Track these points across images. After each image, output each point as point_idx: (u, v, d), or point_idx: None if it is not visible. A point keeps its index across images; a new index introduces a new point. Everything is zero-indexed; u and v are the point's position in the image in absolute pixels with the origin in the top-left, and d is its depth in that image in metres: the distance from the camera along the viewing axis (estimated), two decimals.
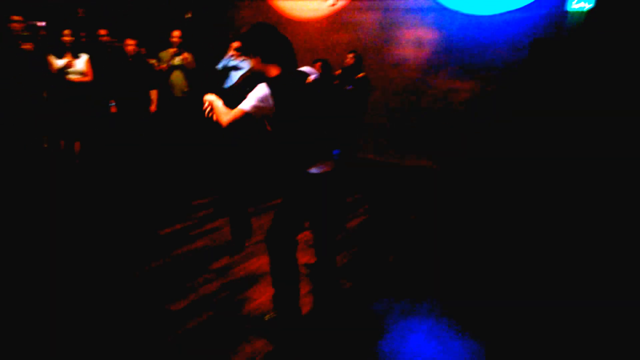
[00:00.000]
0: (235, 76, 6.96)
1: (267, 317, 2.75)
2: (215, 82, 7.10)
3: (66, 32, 5.21)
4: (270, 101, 2.36)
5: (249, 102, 2.37)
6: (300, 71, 2.54)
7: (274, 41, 2.49)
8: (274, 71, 2.48)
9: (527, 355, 2.68)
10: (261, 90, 2.37)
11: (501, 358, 2.65)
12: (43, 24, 7.00)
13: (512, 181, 5.81)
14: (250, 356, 2.48)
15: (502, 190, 5.79)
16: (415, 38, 7.10)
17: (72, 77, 5.31)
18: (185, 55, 6.40)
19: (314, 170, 2.52)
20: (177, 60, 6.38)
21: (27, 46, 4.84)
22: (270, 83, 2.39)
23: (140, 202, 4.76)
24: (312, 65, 7.42)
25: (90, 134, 5.70)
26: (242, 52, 2.75)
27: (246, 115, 2.37)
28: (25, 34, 4.86)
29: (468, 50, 6.62)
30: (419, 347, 2.66)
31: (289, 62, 2.50)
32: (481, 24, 6.43)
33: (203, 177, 5.85)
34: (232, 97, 3.00)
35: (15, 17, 4.88)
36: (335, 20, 7.67)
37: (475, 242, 4.34)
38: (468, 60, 6.63)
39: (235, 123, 2.39)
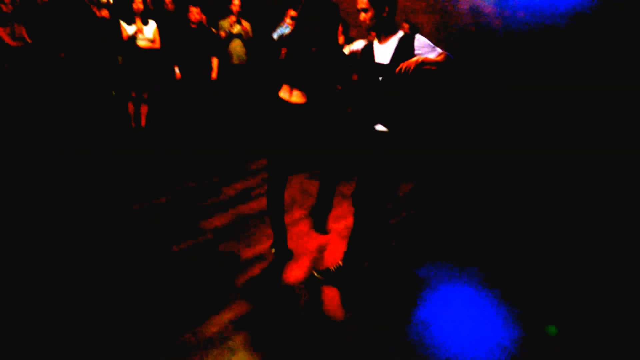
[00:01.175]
0: None
1: (333, 268, 2.97)
2: (272, 51, 7.29)
3: None
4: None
5: (437, 47, 2.47)
6: None
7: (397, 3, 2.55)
8: (389, 29, 2.55)
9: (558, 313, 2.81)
10: (425, 38, 2.48)
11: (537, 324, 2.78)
12: None
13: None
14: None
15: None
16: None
17: (141, 43, 5.60)
18: (244, 23, 6.58)
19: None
20: (236, 29, 6.57)
21: (104, 13, 5.12)
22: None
23: (204, 162, 5.08)
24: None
25: (158, 98, 6.02)
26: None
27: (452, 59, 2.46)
28: (102, 1, 5.15)
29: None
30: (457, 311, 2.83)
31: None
32: None
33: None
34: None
35: None
36: None
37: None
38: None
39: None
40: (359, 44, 2.81)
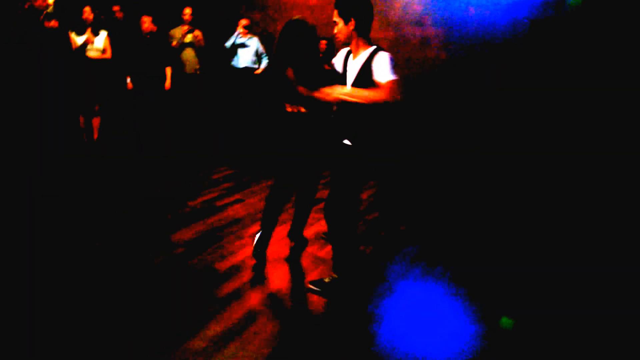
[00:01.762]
0: (242, 54, 7.16)
1: (327, 279, 3.02)
2: (224, 59, 7.29)
3: (86, 9, 5.34)
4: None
5: (391, 70, 2.44)
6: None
7: (372, 12, 2.57)
8: (362, 42, 2.58)
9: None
10: (388, 56, 2.48)
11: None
12: None
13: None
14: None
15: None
16: (417, 16, 7.32)
17: (91, 54, 5.45)
18: (197, 32, 6.56)
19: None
20: (188, 38, 6.53)
21: (52, 23, 4.95)
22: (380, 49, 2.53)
23: (161, 177, 5.01)
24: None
25: (109, 110, 5.88)
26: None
27: (399, 81, 2.45)
28: (49, 11, 4.97)
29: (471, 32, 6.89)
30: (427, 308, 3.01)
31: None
32: (482, 3, 6.70)
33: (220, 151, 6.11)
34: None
35: None
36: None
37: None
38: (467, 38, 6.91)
39: (400, 92, 2.45)
40: (339, 56, 2.84)
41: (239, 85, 7.34)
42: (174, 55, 6.38)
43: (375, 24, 2.69)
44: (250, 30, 7.18)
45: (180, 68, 6.56)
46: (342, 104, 2.66)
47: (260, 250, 3.30)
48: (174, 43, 6.47)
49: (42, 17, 5.12)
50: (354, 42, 2.61)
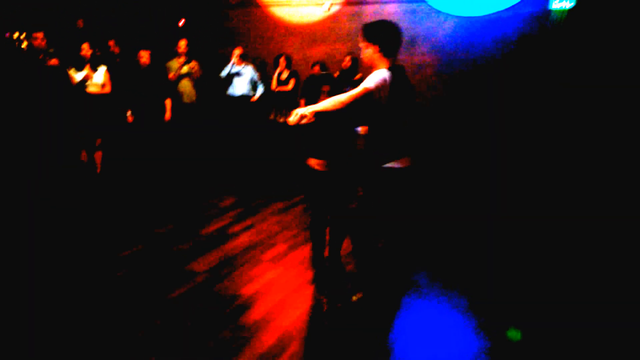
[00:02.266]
0: (238, 82, 7.24)
1: (354, 298, 3.07)
2: (219, 89, 7.37)
3: (84, 45, 5.37)
4: (388, 86, 2.51)
5: (372, 80, 2.50)
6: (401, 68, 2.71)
7: (397, 39, 2.66)
8: (382, 65, 2.63)
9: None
10: (382, 73, 2.54)
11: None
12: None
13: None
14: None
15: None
16: (407, 39, 7.51)
17: (91, 89, 5.47)
18: (193, 64, 6.62)
19: (392, 165, 2.68)
20: (185, 69, 6.59)
21: (53, 62, 4.97)
22: (390, 70, 2.57)
23: (166, 206, 5.00)
24: (310, 68, 7.77)
25: (111, 144, 5.86)
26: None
27: (368, 93, 2.47)
28: (50, 50, 5.00)
29: (456, 49, 7.08)
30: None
31: (395, 60, 2.69)
32: (472, 24, 6.90)
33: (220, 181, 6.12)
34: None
35: (38, 34, 5.00)
36: (329, 25, 7.98)
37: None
38: (455, 59, 7.10)
39: (356, 102, 2.45)
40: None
41: (236, 113, 7.40)
42: (172, 87, 6.42)
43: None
44: (244, 59, 7.28)
45: (178, 99, 6.59)
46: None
47: (316, 261, 3.56)
48: (171, 75, 6.51)
49: (41, 56, 5.14)
50: (379, 65, 2.65)
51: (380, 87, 2.51)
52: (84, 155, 5.61)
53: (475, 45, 6.91)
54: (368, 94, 2.48)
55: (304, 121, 2.42)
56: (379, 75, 2.54)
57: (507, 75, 6.68)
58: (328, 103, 2.46)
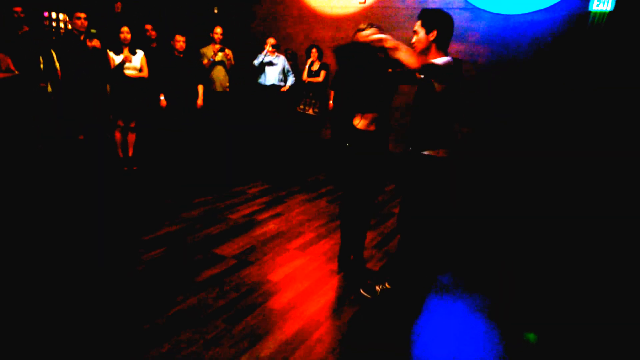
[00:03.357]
0: (269, 72, 7.31)
1: (379, 287, 3.10)
2: (252, 77, 7.45)
3: (124, 29, 5.47)
4: (449, 72, 2.50)
5: (440, 60, 2.49)
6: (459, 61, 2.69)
7: (452, 30, 2.62)
8: (437, 56, 2.59)
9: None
10: (447, 58, 2.53)
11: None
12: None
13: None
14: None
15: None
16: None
17: (128, 72, 5.58)
18: (227, 51, 6.70)
19: (433, 153, 2.70)
20: (219, 56, 6.67)
21: (95, 43, 5.09)
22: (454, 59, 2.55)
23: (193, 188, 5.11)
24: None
25: (145, 126, 6.00)
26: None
27: (435, 66, 2.46)
28: (92, 31, 5.11)
29: (494, 46, 7.00)
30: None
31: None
32: (508, 22, 6.80)
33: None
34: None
35: (80, 14, 5.12)
36: (365, 17, 7.96)
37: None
38: (494, 56, 7.01)
39: (426, 67, 2.45)
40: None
41: (265, 102, 7.48)
42: (205, 74, 6.51)
43: None
44: (277, 49, 7.34)
45: (210, 86, 6.68)
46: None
47: (342, 261, 3.51)
48: (206, 61, 6.60)
49: (82, 37, 5.28)
50: (432, 52, 2.63)
51: (448, 67, 2.50)
52: (118, 137, 5.74)
53: (510, 44, 6.82)
54: (435, 66, 2.48)
55: (376, 41, 2.52)
56: (444, 59, 2.52)
57: (541, 76, 6.60)
58: (407, 53, 2.45)
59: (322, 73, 7.49)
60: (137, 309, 2.80)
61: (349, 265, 3.51)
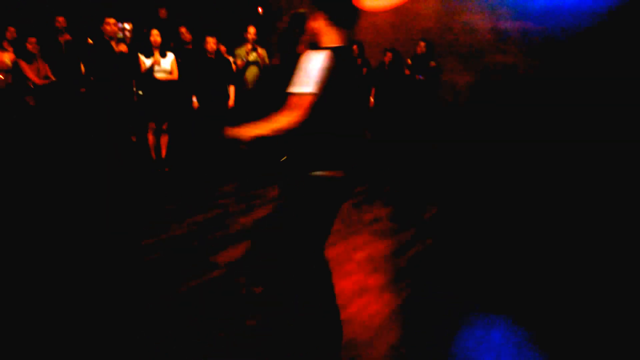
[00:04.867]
0: None
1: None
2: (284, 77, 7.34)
3: (154, 32, 5.57)
4: (327, 76, 1.88)
5: (308, 80, 1.87)
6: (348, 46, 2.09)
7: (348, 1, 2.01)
8: (332, 39, 2.01)
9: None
10: (320, 59, 1.90)
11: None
12: (128, 26, 7.52)
13: None
14: None
15: None
16: (488, 25, 6.95)
17: (159, 75, 5.67)
18: (260, 51, 6.64)
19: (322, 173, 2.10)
20: (252, 56, 6.63)
21: (122, 48, 5.21)
22: (333, 53, 1.91)
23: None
24: (382, 55, 7.48)
25: (177, 129, 6.10)
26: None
27: (313, 98, 1.89)
28: (119, 36, 5.24)
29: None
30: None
31: (351, 32, 2.03)
32: None
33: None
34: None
35: (109, 20, 5.26)
36: (402, 9, 7.63)
37: None
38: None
39: (307, 113, 1.91)
40: None
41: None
42: (238, 74, 6.50)
43: None
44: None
45: (243, 86, 6.66)
46: None
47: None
48: (240, 62, 6.58)
49: (113, 42, 5.43)
50: (326, 38, 2.06)
51: (321, 81, 1.87)
52: (150, 139, 5.86)
53: (563, 13, 6.27)
54: (313, 98, 1.90)
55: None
56: (313, 67, 1.89)
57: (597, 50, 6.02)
58: (270, 123, 2.02)
59: (363, 71, 7.27)
60: (135, 308, 2.78)
61: None
